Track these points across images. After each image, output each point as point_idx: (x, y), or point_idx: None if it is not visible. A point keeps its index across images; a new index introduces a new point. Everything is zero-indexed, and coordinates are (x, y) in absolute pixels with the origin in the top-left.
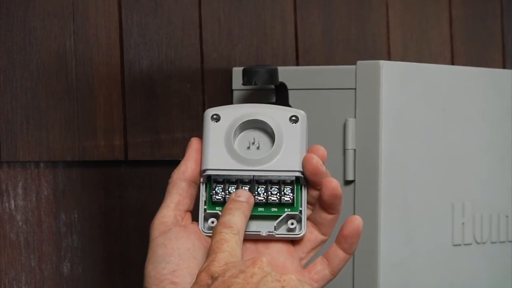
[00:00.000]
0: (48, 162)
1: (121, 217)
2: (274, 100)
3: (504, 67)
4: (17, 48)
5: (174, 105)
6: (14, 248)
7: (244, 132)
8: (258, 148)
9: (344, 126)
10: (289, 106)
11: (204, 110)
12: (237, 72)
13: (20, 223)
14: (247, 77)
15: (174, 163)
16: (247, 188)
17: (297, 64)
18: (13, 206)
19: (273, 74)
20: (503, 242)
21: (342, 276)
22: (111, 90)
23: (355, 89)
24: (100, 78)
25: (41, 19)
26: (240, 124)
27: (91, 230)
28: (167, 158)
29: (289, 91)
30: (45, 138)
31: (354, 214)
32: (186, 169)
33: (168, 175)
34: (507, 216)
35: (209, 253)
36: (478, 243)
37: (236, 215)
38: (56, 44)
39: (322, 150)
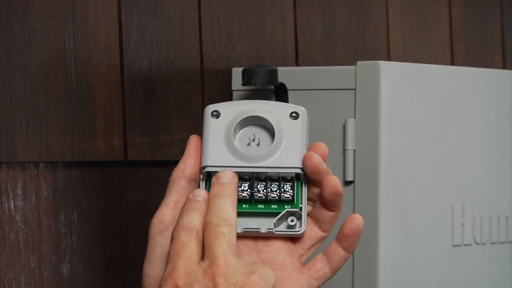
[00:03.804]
0: (48, 162)
1: (120, 218)
2: (274, 100)
3: (504, 67)
4: (16, 49)
5: (173, 105)
6: (14, 248)
7: (244, 128)
8: (258, 144)
9: (344, 127)
10: None
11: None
12: (236, 73)
13: (20, 224)
14: (247, 77)
15: (174, 163)
16: (247, 184)
17: (297, 65)
18: (12, 206)
19: (273, 74)
20: (503, 242)
21: (342, 276)
22: (110, 91)
23: (355, 89)
24: (100, 78)
25: (40, 20)
26: (240, 120)
27: (91, 230)
28: (167, 158)
29: (289, 92)
30: (44, 139)
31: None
32: (185, 167)
33: (168, 176)
34: (507, 217)
35: (168, 259)
36: (478, 244)
37: (194, 216)
38: (55, 44)
39: (323, 147)
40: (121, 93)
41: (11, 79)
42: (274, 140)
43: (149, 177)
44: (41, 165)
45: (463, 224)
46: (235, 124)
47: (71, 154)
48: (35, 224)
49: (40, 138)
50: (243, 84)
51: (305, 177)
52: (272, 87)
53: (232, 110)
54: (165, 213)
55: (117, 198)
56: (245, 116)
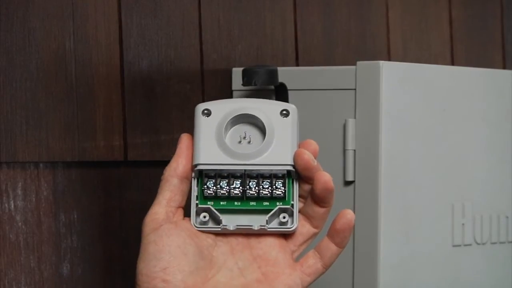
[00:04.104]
0: (48, 162)
1: (120, 218)
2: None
3: (504, 67)
4: (16, 49)
5: (173, 105)
6: (14, 248)
7: (235, 126)
8: (249, 142)
9: (344, 127)
10: None
11: None
12: (237, 73)
13: (20, 224)
14: (247, 77)
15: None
16: (238, 182)
17: (297, 65)
18: (12, 206)
19: (273, 74)
20: (503, 242)
21: (342, 276)
22: (110, 91)
23: (355, 89)
24: (100, 78)
25: (40, 20)
26: (231, 118)
27: (91, 230)
28: (167, 158)
29: (289, 92)
30: (44, 139)
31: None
32: (177, 166)
33: None
34: (507, 217)
35: None
36: (478, 244)
37: None
38: (55, 44)
39: (313, 144)
40: (121, 93)
41: (11, 79)
42: (265, 138)
43: (149, 177)
44: (41, 165)
45: (463, 224)
46: (226, 122)
47: (71, 154)
48: (35, 224)
49: (40, 138)
50: (243, 84)
51: (296, 174)
52: (272, 87)
53: (223, 108)
54: (158, 211)
55: (117, 198)
56: (236, 114)
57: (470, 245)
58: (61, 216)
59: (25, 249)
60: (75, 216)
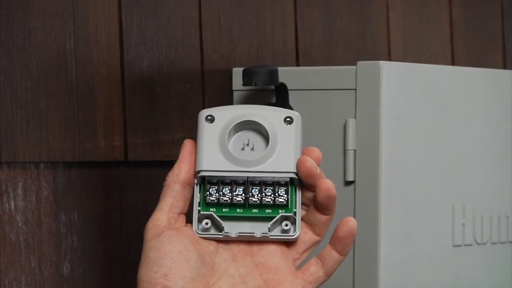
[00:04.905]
0: (48, 162)
1: (121, 218)
2: (274, 100)
3: (504, 67)
4: (17, 49)
5: (174, 105)
6: (14, 248)
7: (238, 133)
8: (252, 149)
9: (345, 127)
10: (290, 106)
11: None
12: (237, 73)
13: (20, 224)
14: (247, 77)
15: (174, 164)
16: (241, 189)
17: (297, 65)
18: (13, 206)
19: (273, 74)
20: (504, 242)
21: (342, 276)
22: (111, 91)
23: (355, 89)
24: (100, 78)
25: (41, 20)
26: (235, 125)
27: (91, 230)
28: (167, 158)
29: (289, 92)
30: (45, 139)
31: (354, 215)
32: (180, 172)
33: None
34: (507, 217)
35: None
36: (478, 244)
37: None
38: (56, 44)
39: (317, 152)
40: (122, 93)
41: (12, 79)
42: (269, 145)
43: (149, 177)
44: (41, 165)
45: (463, 224)
46: (230, 129)
47: (72, 154)
48: (35, 224)
49: (41, 138)
50: (243, 84)
51: (299, 182)
52: (273, 87)
53: (226, 115)
54: (160, 218)
55: (117, 198)
56: (239, 121)
57: (470, 245)
58: (61, 216)
59: (26, 249)
60: (76, 216)
